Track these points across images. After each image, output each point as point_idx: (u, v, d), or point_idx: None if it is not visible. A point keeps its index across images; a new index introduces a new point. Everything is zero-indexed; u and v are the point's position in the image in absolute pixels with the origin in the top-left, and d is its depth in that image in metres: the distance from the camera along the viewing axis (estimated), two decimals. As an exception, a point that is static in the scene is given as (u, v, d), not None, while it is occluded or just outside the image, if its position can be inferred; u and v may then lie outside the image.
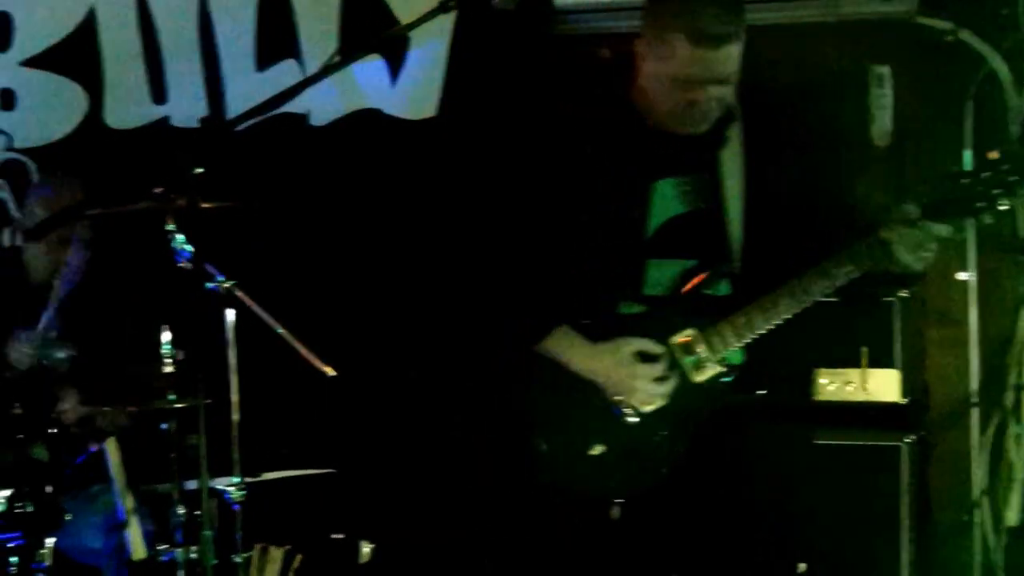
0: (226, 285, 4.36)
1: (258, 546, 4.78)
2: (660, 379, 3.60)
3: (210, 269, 4.35)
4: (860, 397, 4.68)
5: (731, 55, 3.51)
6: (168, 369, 4.45)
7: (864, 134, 5.08)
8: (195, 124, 5.58)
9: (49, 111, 5.63)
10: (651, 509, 3.65)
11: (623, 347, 3.61)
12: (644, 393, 3.60)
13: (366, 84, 5.44)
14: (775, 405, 4.51)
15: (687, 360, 3.64)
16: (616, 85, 3.66)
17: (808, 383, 4.73)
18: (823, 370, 4.71)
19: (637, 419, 3.60)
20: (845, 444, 4.55)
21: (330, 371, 4.32)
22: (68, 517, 4.43)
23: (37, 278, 5.02)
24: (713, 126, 3.64)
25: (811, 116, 4.94)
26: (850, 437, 4.56)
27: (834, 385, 4.69)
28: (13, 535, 4.30)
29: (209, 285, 4.33)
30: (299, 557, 4.87)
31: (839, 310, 4.02)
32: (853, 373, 4.69)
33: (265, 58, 5.53)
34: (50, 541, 4.39)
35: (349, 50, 4.87)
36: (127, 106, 5.59)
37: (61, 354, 4.87)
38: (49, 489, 4.37)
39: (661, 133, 3.61)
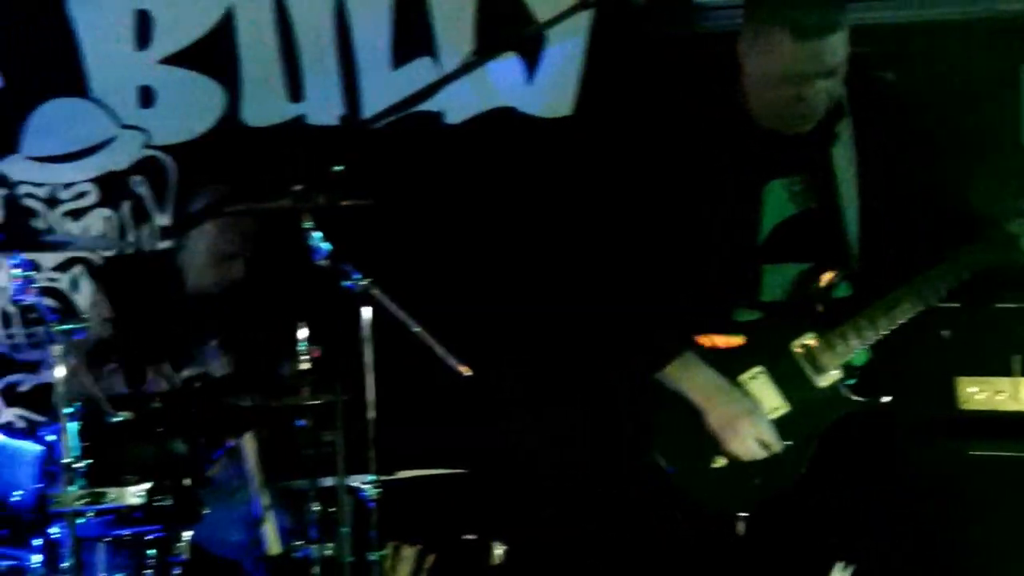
0: (363, 283, 4.37)
1: (390, 544, 4.78)
2: (764, 443, 3.52)
3: (347, 267, 4.36)
4: (1012, 407, 4.54)
5: (836, 45, 3.42)
6: (304, 366, 4.47)
7: (1011, 134, 4.95)
8: (330, 122, 5.60)
9: (187, 108, 5.68)
10: (778, 522, 3.58)
11: (743, 401, 3.52)
12: (745, 447, 3.51)
13: (501, 82, 5.43)
14: (914, 413, 4.39)
15: (809, 365, 3.57)
16: (729, 85, 3.61)
17: (943, 391, 4.60)
18: (968, 378, 4.57)
19: (721, 464, 3.53)
20: (1003, 456, 4.38)
21: (466, 370, 4.31)
22: (206, 511, 4.47)
23: (196, 288, 5.07)
24: (821, 123, 3.55)
25: (949, 114, 4.81)
26: (1007, 448, 4.40)
27: (984, 394, 4.54)
28: (152, 528, 4.34)
29: (346, 283, 4.35)
30: (431, 557, 4.87)
31: (966, 315, 3.92)
32: (1003, 382, 4.54)
33: (401, 56, 5.54)
34: (188, 534, 4.43)
35: (485, 48, 4.91)
36: (264, 104, 5.63)
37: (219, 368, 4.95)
38: (187, 483, 4.41)
39: (770, 133, 3.54)
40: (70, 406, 4.12)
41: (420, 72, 5.48)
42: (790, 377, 3.59)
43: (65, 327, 4.17)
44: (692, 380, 3.54)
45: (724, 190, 3.56)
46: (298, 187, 4.39)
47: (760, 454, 3.52)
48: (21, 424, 5.71)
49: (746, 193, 3.56)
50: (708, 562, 3.63)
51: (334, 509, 4.42)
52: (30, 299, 4.27)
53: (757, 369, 3.61)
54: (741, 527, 3.57)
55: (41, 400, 5.74)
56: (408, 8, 5.51)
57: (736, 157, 3.56)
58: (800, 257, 3.61)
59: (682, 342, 3.57)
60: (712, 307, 3.60)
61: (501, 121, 5.47)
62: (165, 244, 5.67)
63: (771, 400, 3.62)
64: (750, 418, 3.51)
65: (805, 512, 3.59)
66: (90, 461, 4.15)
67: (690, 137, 3.64)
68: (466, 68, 3.65)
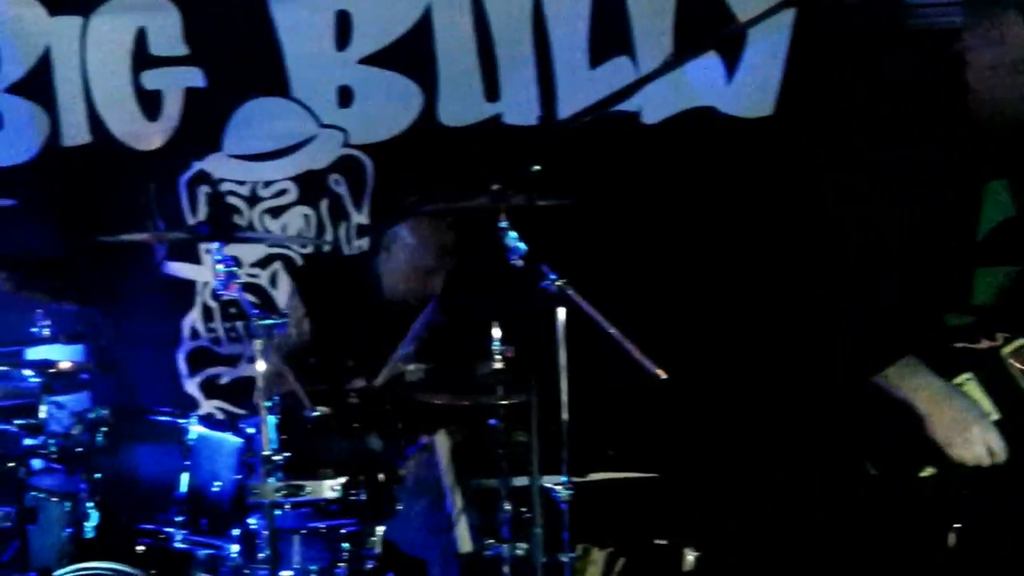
0: (558, 284, 4.34)
1: (580, 546, 4.75)
2: (992, 450, 3.40)
3: (542, 267, 4.34)
4: None
5: None
6: (498, 366, 4.47)
7: None
8: (526, 121, 5.59)
9: (385, 108, 5.73)
10: (989, 534, 3.45)
11: (973, 406, 3.41)
12: (973, 453, 3.39)
13: (700, 81, 5.37)
14: None
15: (1020, 372, 3.43)
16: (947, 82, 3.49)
17: None
18: None
19: (929, 472, 3.41)
20: None
21: (662, 374, 4.25)
22: (399, 507, 4.50)
23: (392, 296, 5.12)
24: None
25: None
26: None
27: None
28: (347, 521, 4.39)
29: (541, 283, 4.33)
30: (621, 560, 4.83)
31: None
32: None
33: (598, 54, 5.51)
34: (380, 529, 4.47)
35: (684, 47, 4.85)
36: (460, 103, 5.65)
37: (416, 373, 4.98)
38: (382, 478, 4.44)
39: (990, 131, 3.42)
40: (270, 400, 4.19)
41: (617, 71, 5.46)
42: (1000, 384, 3.45)
43: (266, 322, 4.24)
44: (916, 384, 3.42)
45: (941, 190, 3.45)
46: (495, 187, 4.39)
47: (986, 461, 3.40)
48: (220, 416, 5.83)
49: (964, 193, 3.45)
50: (917, 573, 3.53)
51: (526, 509, 4.41)
52: (233, 294, 4.35)
53: (966, 376, 3.49)
54: (952, 538, 3.45)
55: (240, 393, 5.85)
56: (606, 7, 5.48)
57: (954, 156, 3.45)
58: (1016, 260, 3.47)
59: (901, 346, 3.46)
60: (922, 310, 3.49)
61: (699, 121, 5.41)
62: (361, 243, 5.74)
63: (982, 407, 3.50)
64: (980, 423, 3.40)
65: (1016, 525, 3.46)
66: (288, 454, 4.21)
67: (900, 137, 3.55)
68: (666, 67, 3.60)
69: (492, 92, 5.63)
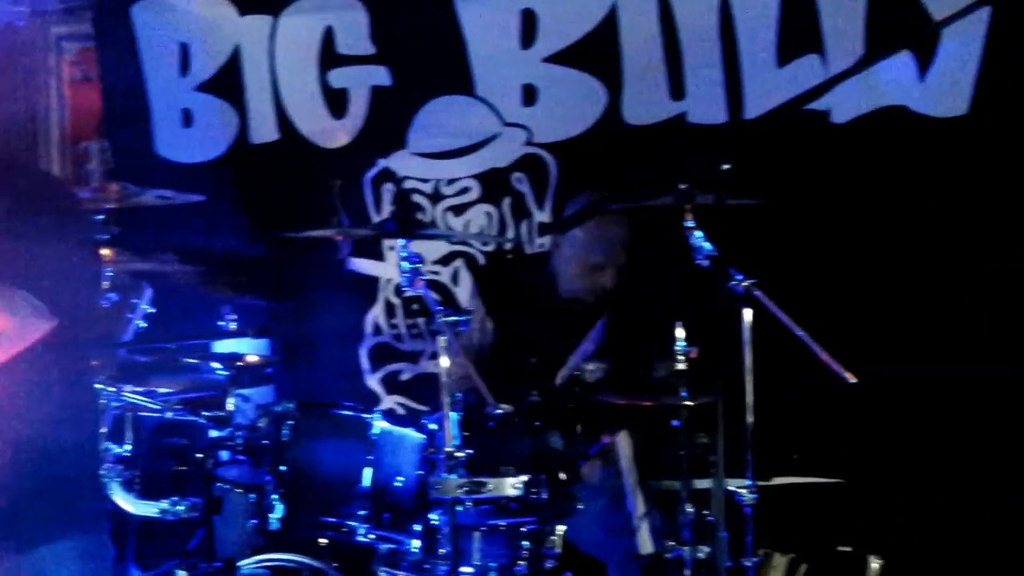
0: (745, 284, 4.28)
1: (762, 551, 4.68)
2: None
3: (729, 268, 4.29)
4: None
5: None
6: (681, 366, 4.42)
7: None
8: (712, 120, 5.52)
9: (569, 106, 5.71)
10: None
11: None
12: None
13: (892, 80, 5.24)
14: None
15: None
16: None
17: None
18: None
19: None
20: None
21: (851, 377, 4.15)
22: (580, 507, 4.48)
23: (567, 294, 5.11)
24: None
25: None
26: None
27: None
28: (528, 519, 4.38)
29: (727, 284, 4.28)
30: (804, 566, 4.75)
31: None
32: None
33: (786, 53, 5.41)
34: (561, 528, 4.46)
35: (877, 46, 4.74)
36: (645, 102, 5.60)
37: (595, 372, 4.97)
38: (563, 477, 4.43)
39: None
40: (453, 396, 4.20)
41: (806, 70, 5.35)
42: None
43: (450, 319, 4.26)
44: None
45: None
46: (682, 186, 4.35)
47: None
48: (400, 412, 5.87)
49: None
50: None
51: (707, 512, 4.36)
52: (417, 290, 4.38)
53: None
54: None
55: (420, 389, 5.89)
56: (795, 4, 5.38)
57: None
58: None
59: None
60: None
61: (891, 120, 5.28)
62: (543, 241, 5.73)
63: None
64: None
65: None
66: (470, 451, 4.22)
67: None
68: (859, 66, 3.51)
69: (677, 90, 5.56)
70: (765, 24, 5.42)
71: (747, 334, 4.27)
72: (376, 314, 6.07)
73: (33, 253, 3.18)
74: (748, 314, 4.27)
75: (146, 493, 4.69)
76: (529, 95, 5.77)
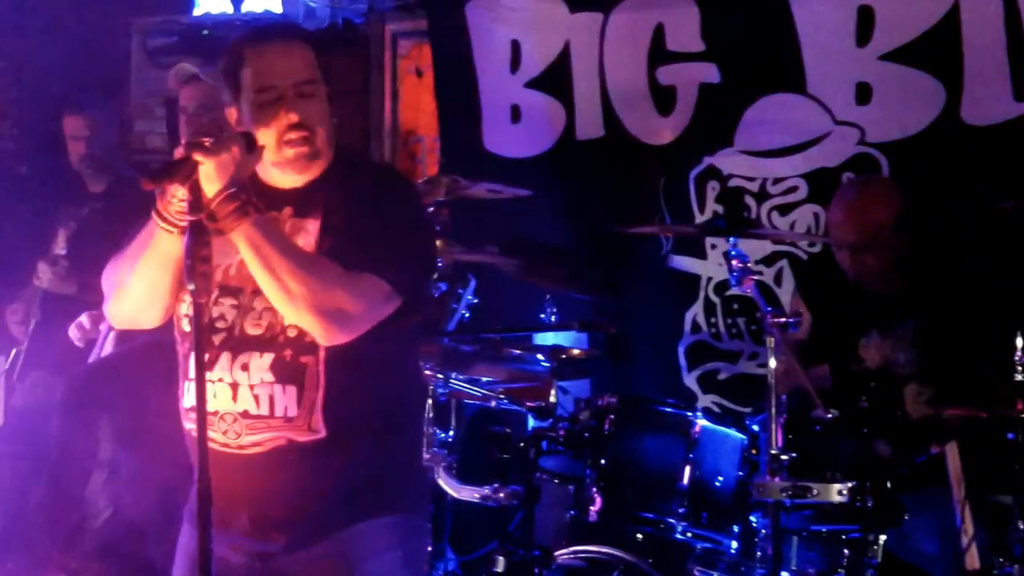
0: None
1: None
2: None
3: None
4: None
5: None
6: (1020, 377, 4.25)
7: None
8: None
9: (904, 106, 5.53)
10: None
11: None
12: None
13: None
14: None
15: None
16: None
17: None
18: None
19: None
20: None
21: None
22: (906, 516, 4.36)
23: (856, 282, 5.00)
24: None
25: None
26: None
27: None
28: (850, 527, 4.29)
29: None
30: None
31: None
32: None
33: None
34: (883, 538, 4.35)
35: None
36: (986, 102, 5.38)
37: (903, 356, 4.83)
38: (890, 486, 4.32)
39: None
40: (780, 398, 4.15)
41: None
42: None
43: (780, 320, 4.21)
44: None
45: None
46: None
47: None
48: (716, 411, 5.82)
49: None
50: None
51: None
52: (746, 290, 4.34)
53: None
54: None
55: (738, 389, 5.84)
56: None
57: None
58: None
59: None
60: None
61: None
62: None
63: None
64: None
65: None
66: (795, 454, 4.15)
67: None
68: None
69: (1021, 91, 5.31)
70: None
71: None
72: (696, 312, 6.04)
73: (380, 239, 3.28)
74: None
75: (467, 478, 4.81)
76: (863, 93, 5.62)
